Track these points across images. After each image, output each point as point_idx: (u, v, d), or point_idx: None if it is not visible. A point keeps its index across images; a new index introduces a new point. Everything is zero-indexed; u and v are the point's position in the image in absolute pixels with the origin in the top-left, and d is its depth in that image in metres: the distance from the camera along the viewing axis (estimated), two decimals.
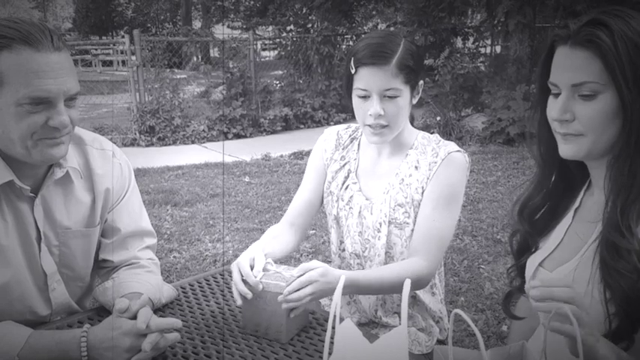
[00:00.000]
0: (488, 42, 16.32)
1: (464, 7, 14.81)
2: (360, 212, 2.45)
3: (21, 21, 1.83)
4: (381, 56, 2.22)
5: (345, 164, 2.52)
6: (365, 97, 2.26)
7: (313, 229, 6.63)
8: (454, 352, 1.23)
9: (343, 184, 2.51)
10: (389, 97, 2.25)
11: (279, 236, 2.47)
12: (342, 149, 2.55)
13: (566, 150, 1.67)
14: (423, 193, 2.36)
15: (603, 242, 1.60)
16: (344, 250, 2.54)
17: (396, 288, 2.21)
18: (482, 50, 16.21)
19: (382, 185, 2.44)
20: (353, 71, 2.26)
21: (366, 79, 2.24)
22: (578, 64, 1.58)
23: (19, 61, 1.75)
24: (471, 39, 16.03)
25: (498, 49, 16.52)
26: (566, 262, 1.70)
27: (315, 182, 2.58)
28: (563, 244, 1.76)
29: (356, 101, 2.30)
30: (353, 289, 2.15)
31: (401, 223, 2.39)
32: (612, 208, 1.60)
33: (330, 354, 1.34)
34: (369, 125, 2.29)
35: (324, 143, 2.59)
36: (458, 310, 1.20)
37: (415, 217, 2.37)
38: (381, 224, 2.40)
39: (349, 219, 2.49)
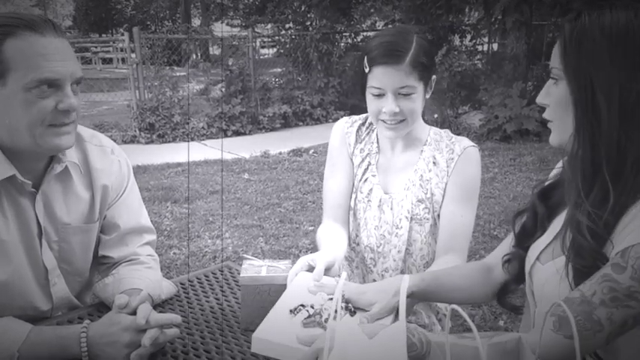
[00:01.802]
0: (486, 40, 16.29)
1: (461, 4, 14.77)
2: (379, 206, 2.46)
3: (18, 12, 1.89)
4: (394, 55, 2.22)
5: (366, 157, 2.51)
6: (379, 96, 2.26)
7: (312, 225, 6.64)
8: (451, 346, 1.24)
9: (363, 176, 2.50)
10: (404, 94, 2.25)
11: (335, 234, 2.42)
12: (361, 142, 2.54)
13: (550, 138, 1.73)
14: (444, 188, 2.38)
15: (564, 238, 1.63)
16: (358, 243, 2.55)
17: None
18: (480, 48, 16.20)
19: (401, 181, 2.45)
20: (367, 70, 2.25)
21: (380, 78, 2.24)
22: (553, 51, 1.64)
23: (25, 45, 1.78)
24: (469, 36, 15.99)
25: (495, 46, 16.50)
26: (557, 258, 1.70)
27: (346, 174, 2.54)
28: (560, 235, 1.76)
29: (370, 98, 2.30)
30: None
31: (421, 219, 2.40)
32: (571, 204, 1.64)
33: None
34: (383, 120, 2.30)
35: (346, 137, 2.56)
36: (455, 306, 1.21)
37: (434, 212, 2.40)
38: (401, 220, 2.41)
39: (367, 212, 2.49)
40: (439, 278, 1.94)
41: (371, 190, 2.48)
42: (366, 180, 2.49)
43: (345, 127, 2.57)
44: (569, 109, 1.60)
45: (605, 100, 1.52)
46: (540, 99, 1.70)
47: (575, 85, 1.57)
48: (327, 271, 2.02)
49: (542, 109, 1.72)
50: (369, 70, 2.25)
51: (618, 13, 1.53)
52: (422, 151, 2.44)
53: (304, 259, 2.03)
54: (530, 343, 1.33)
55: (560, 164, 1.92)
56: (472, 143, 2.43)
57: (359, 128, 2.56)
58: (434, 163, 2.41)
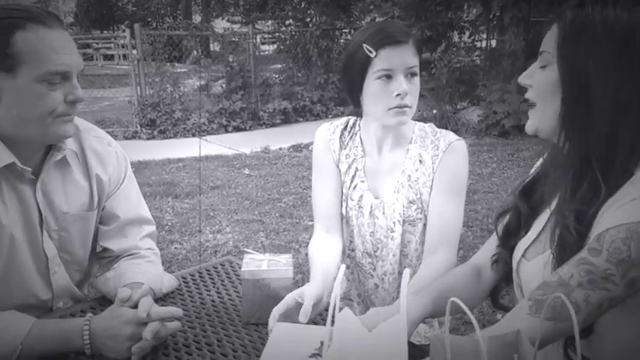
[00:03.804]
0: (484, 36, 16.28)
1: (460, 1, 14.81)
2: (371, 212, 2.42)
3: (24, 4, 1.89)
4: (403, 34, 2.22)
5: (352, 162, 2.47)
6: (388, 78, 2.21)
7: (312, 220, 6.66)
8: (450, 340, 1.25)
9: (351, 183, 2.46)
10: (411, 74, 2.24)
11: (327, 249, 2.39)
12: (345, 147, 2.49)
13: (526, 124, 1.73)
14: (431, 186, 2.35)
15: (553, 234, 1.64)
16: (353, 250, 2.52)
17: None
18: (478, 44, 16.18)
19: (390, 184, 2.40)
20: (373, 54, 2.20)
21: (389, 58, 2.20)
22: (547, 35, 1.63)
23: (35, 38, 1.80)
24: (467, 33, 16.02)
25: (494, 42, 16.50)
26: (543, 253, 1.71)
27: (333, 182, 2.49)
28: (545, 231, 1.75)
29: (376, 85, 2.23)
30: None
31: (414, 220, 2.38)
32: (559, 197, 1.65)
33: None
34: (393, 107, 2.24)
35: (329, 144, 2.51)
36: (454, 299, 1.22)
37: (425, 212, 2.38)
38: (395, 223, 2.38)
39: (359, 219, 2.46)
40: (442, 293, 1.86)
41: (361, 196, 2.44)
42: (355, 187, 2.46)
43: (327, 134, 2.52)
44: (555, 97, 1.59)
45: (600, 92, 1.52)
46: (523, 79, 1.70)
47: (568, 74, 1.56)
48: (316, 305, 2.00)
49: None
50: (376, 54, 2.20)
51: (622, 11, 1.53)
52: (408, 149, 2.40)
53: (292, 296, 1.99)
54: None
55: (539, 163, 1.94)
56: (457, 137, 2.39)
57: (341, 134, 2.51)
58: (420, 161, 2.37)
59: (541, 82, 1.64)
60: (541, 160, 1.90)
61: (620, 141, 1.54)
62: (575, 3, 1.58)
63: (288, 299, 1.98)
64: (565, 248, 1.58)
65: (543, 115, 1.65)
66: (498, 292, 2.02)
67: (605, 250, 1.45)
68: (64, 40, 1.86)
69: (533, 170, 1.95)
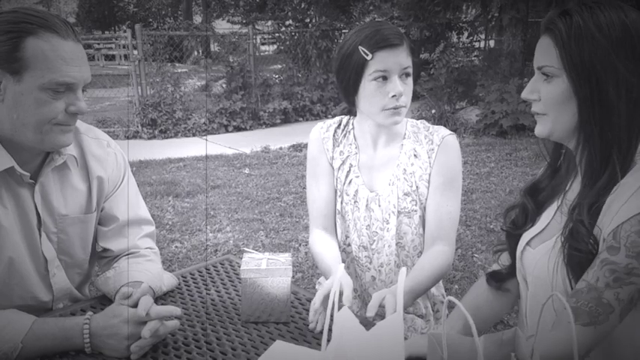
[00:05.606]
0: (483, 36, 16.33)
1: (459, 1, 14.83)
2: (367, 205, 2.45)
3: (41, 11, 1.89)
4: (397, 37, 2.26)
5: (346, 159, 2.52)
6: (384, 79, 2.25)
7: None
8: (447, 337, 1.26)
9: (346, 179, 2.49)
10: (405, 74, 2.28)
11: (330, 245, 2.47)
12: (339, 145, 2.53)
13: (536, 129, 1.76)
14: (428, 180, 2.40)
15: (566, 223, 1.68)
16: (349, 244, 2.54)
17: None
18: (477, 44, 16.26)
19: (385, 177, 2.44)
20: (369, 57, 2.24)
21: (385, 60, 2.24)
22: (541, 49, 1.68)
23: (47, 47, 1.81)
24: (466, 33, 16.07)
25: (492, 43, 16.52)
26: (548, 240, 1.76)
27: (328, 180, 2.55)
28: (552, 223, 1.81)
29: (372, 86, 2.27)
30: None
31: (409, 212, 2.41)
32: (579, 193, 1.69)
33: (328, 341, 1.38)
34: (389, 108, 2.28)
35: (323, 142, 2.55)
36: (451, 298, 1.23)
37: (421, 204, 2.41)
38: (390, 215, 2.41)
39: (355, 213, 2.48)
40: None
41: (357, 191, 2.47)
42: (350, 182, 2.49)
43: (320, 132, 2.58)
44: (569, 106, 1.64)
45: (615, 94, 1.57)
46: (527, 95, 1.74)
47: (580, 82, 1.60)
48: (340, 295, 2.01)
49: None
50: (372, 57, 2.24)
51: (609, 12, 1.57)
52: (402, 145, 2.44)
53: (331, 286, 1.89)
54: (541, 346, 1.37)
55: (543, 169, 1.97)
56: (449, 132, 2.44)
57: (335, 132, 2.56)
58: (415, 155, 2.41)
59: (550, 94, 1.67)
60: (545, 164, 1.95)
61: (634, 135, 1.61)
62: (558, 12, 1.63)
63: (327, 288, 2.01)
64: (578, 239, 1.62)
65: (556, 123, 1.69)
66: (500, 281, 2.08)
67: (622, 246, 1.51)
68: (74, 51, 1.87)
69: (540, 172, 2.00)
